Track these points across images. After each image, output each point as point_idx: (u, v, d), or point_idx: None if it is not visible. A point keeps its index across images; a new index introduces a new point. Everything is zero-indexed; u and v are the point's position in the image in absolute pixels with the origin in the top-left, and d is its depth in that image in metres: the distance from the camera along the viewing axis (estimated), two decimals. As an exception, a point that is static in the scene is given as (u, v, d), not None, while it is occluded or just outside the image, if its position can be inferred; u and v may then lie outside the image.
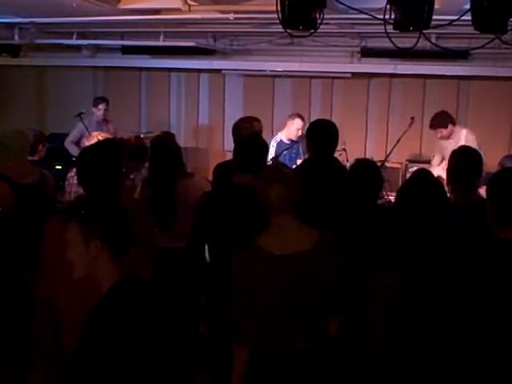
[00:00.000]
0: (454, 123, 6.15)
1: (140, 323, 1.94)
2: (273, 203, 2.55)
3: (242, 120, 4.32)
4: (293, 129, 6.34)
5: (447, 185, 3.45)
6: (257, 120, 4.33)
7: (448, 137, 6.14)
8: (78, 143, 6.63)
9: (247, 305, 2.58)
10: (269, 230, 2.62)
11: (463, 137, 6.12)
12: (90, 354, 1.89)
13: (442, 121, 6.12)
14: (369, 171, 3.39)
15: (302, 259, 2.54)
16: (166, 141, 4.28)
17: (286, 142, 6.31)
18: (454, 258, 2.50)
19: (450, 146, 6.22)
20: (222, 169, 4.09)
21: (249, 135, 3.84)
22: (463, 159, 3.37)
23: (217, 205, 3.37)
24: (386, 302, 2.61)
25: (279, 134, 6.43)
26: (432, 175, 3.03)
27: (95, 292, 2.01)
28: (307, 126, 4.30)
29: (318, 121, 4.02)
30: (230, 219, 3.24)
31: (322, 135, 3.79)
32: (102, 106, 7.16)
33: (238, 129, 4.17)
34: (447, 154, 6.23)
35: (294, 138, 6.35)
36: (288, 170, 2.71)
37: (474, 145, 6.09)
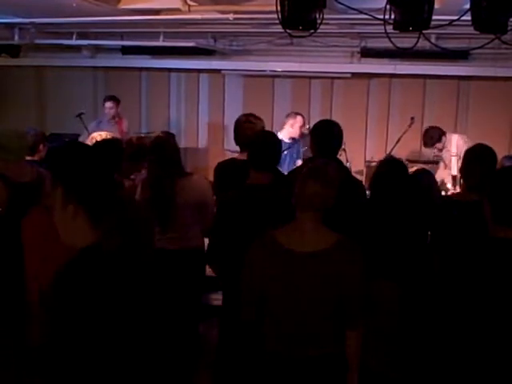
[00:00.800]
0: (444, 134, 6.20)
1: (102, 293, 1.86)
2: (302, 198, 2.53)
3: (244, 118, 4.31)
4: (296, 127, 6.31)
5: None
6: (259, 118, 4.33)
7: (442, 148, 6.19)
8: None
9: (253, 296, 2.59)
10: (289, 225, 2.60)
11: (454, 143, 6.19)
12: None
13: (435, 136, 6.18)
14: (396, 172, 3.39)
15: (318, 258, 2.51)
16: (164, 141, 4.28)
17: (287, 141, 6.29)
18: (451, 257, 2.50)
19: (444, 154, 6.30)
20: (224, 168, 4.09)
21: (261, 132, 3.84)
22: (473, 158, 3.32)
23: (235, 205, 3.35)
24: (386, 305, 2.61)
25: (279, 133, 6.40)
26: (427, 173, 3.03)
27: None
28: (310, 125, 4.30)
29: (321, 121, 4.03)
30: (248, 220, 3.23)
31: (323, 136, 3.79)
32: (107, 105, 7.15)
33: (240, 127, 4.17)
34: (446, 161, 6.35)
35: (297, 137, 6.33)
36: (330, 168, 2.65)
37: (464, 147, 6.18)
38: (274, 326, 2.59)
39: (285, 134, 6.33)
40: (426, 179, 3.91)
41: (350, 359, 2.55)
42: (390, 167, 3.44)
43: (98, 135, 5.52)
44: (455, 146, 6.19)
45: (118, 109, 7.26)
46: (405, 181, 3.37)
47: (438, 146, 6.19)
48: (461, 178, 3.43)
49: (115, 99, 7.28)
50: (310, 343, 2.56)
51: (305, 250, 2.51)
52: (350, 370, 2.56)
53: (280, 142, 3.67)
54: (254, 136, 3.63)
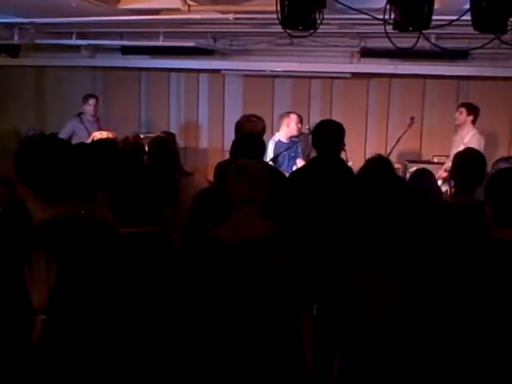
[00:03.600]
0: (474, 120, 6.30)
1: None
2: (233, 196, 2.71)
3: (245, 118, 4.32)
4: (293, 125, 6.35)
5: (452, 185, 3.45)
6: (260, 119, 4.33)
7: (460, 124, 6.30)
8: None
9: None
10: (227, 221, 2.75)
11: (469, 135, 6.23)
12: None
13: (472, 106, 6.32)
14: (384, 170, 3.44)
15: (250, 246, 2.63)
16: (164, 141, 4.28)
17: (285, 141, 6.30)
18: (451, 257, 2.50)
19: (457, 140, 6.32)
20: (224, 168, 4.09)
21: (244, 135, 3.86)
22: (466, 160, 3.34)
23: (210, 203, 3.39)
24: (385, 303, 2.61)
25: (276, 134, 6.43)
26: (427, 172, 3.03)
27: None
28: (310, 125, 4.33)
29: (320, 122, 4.07)
30: (223, 217, 3.26)
31: (321, 136, 3.83)
32: (92, 101, 7.12)
33: (241, 127, 4.18)
34: (453, 149, 6.38)
35: (296, 133, 6.36)
36: (255, 166, 2.83)
37: (476, 146, 6.23)
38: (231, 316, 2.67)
39: (282, 135, 6.36)
40: (425, 179, 3.92)
41: (304, 343, 2.66)
42: (378, 165, 3.49)
43: (100, 134, 5.53)
44: (469, 138, 6.25)
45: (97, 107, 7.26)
46: (392, 178, 3.43)
47: (463, 112, 6.28)
48: (455, 180, 3.41)
49: (97, 97, 7.27)
50: (266, 331, 2.63)
51: (236, 240, 2.63)
52: (305, 356, 2.65)
53: (263, 144, 3.71)
54: (237, 139, 3.67)
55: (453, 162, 3.43)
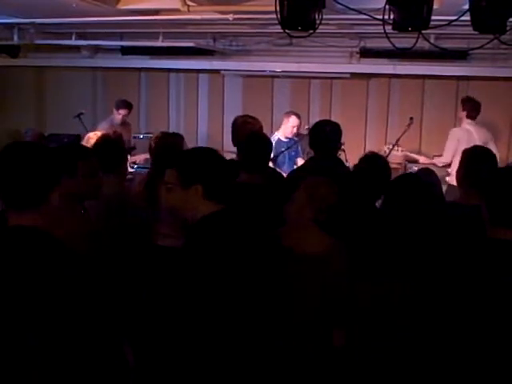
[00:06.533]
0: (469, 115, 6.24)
1: None
2: None
3: (242, 119, 4.32)
4: (288, 126, 6.42)
5: (457, 185, 3.41)
6: (256, 119, 4.34)
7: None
8: None
9: None
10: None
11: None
12: None
13: (475, 105, 6.21)
14: (375, 165, 3.39)
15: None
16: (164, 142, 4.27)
17: (284, 140, 6.35)
18: (448, 258, 2.50)
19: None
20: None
21: (251, 133, 3.87)
22: (472, 159, 3.27)
23: None
24: (386, 309, 2.62)
25: (276, 132, 6.47)
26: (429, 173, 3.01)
27: None
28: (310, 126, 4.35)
29: (317, 122, 4.08)
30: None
31: (317, 136, 3.84)
32: (122, 112, 7.01)
33: (239, 128, 4.18)
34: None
35: (290, 136, 6.39)
36: None
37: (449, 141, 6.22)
38: None
39: (281, 133, 6.40)
40: (429, 178, 3.91)
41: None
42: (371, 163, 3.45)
43: (94, 135, 5.51)
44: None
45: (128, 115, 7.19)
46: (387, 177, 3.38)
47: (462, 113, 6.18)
48: (460, 180, 3.37)
49: (131, 106, 7.19)
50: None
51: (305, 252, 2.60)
52: None
53: (271, 143, 3.72)
54: (246, 138, 3.67)
55: (460, 162, 3.35)
